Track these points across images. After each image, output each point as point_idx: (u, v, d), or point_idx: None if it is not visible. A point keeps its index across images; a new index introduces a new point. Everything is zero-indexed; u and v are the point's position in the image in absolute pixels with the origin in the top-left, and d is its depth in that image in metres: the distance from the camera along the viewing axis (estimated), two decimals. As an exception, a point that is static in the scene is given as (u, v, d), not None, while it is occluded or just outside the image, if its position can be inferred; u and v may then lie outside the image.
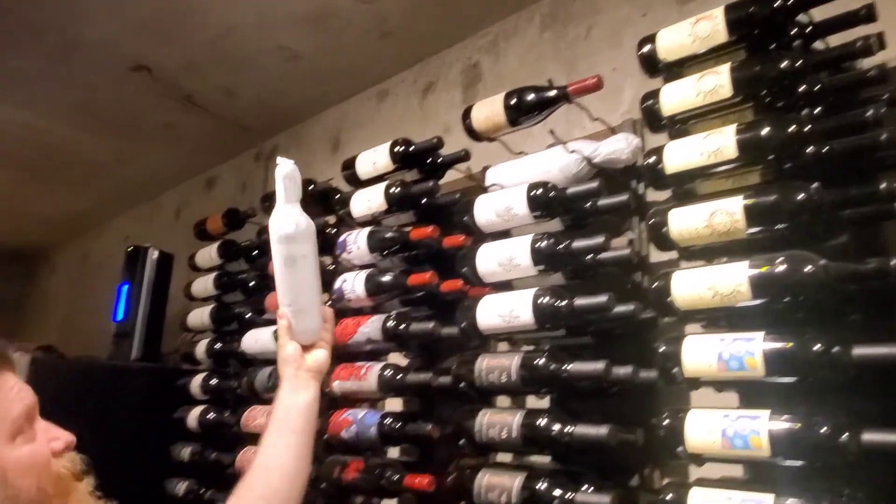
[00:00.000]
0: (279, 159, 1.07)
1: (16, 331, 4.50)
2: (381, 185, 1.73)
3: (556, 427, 1.23)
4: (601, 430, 1.18)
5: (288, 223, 1.05)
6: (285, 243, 1.05)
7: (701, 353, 1.04)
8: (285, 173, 1.06)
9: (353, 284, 1.70)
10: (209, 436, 2.20)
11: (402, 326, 1.59)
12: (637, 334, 1.32)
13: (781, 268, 0.98)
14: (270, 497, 0.95)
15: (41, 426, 0.86)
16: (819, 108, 1.08)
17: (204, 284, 2.38)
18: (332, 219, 1.97)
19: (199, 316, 2.35)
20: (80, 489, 0.87)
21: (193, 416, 2.22)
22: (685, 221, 1.09)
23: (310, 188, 2.09)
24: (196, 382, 2.26)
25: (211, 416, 2.19)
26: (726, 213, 1.04)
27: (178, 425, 2.29)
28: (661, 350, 1.13)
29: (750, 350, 0.98)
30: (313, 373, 1.06)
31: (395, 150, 1.73)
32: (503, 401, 1.49)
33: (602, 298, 1.23)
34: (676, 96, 1.15)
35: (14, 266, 5.01)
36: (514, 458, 1.46)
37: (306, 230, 1.05)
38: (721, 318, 1.10)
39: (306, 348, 1.07)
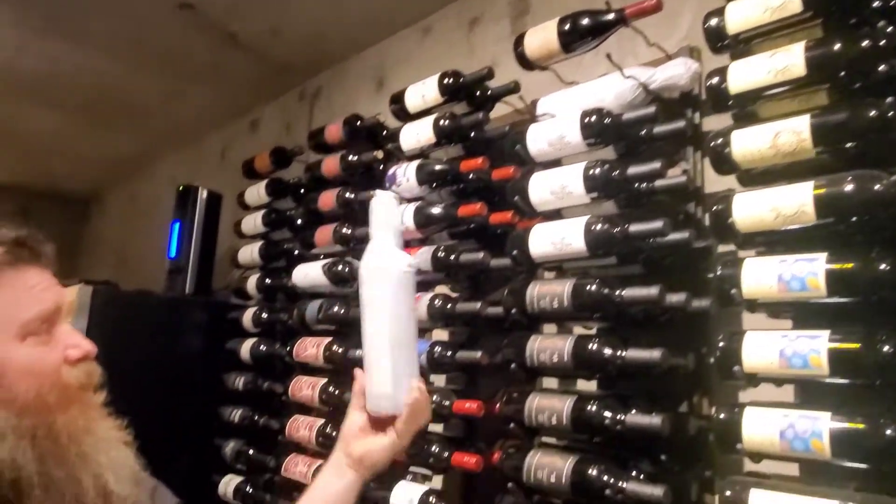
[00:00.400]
0: (378, 192, 0.97)
1: (72, 271, 4.68)
2: (430, 118, 1.73)
3: (608, 351, 1.25)
4: (654, 354, 1.19)
5: (366, 259, 0.91)
6: (362, 282, 0.91)
7: (761, 274, 1.03)
8: (376, 203, 0.94)
9: (401, 217, 1.72)
10: (261, 366, 2.29)
11: (452, 257, 1.61)
12: (688, 264, 1.32)
13: (849, 186, 0.96)
14: None
15: (63, 331, 0.81)
16: (894, 25, 1.03)
17: (253, 221, 2.43)
18: (380, 154, 1.99)
19: (249, 252, 2.41)
20: (88, 402, 0.81)
21: (246, 348, 2.31)
22: (748, 142, 1.07)
23: (357, 123, 2.11)
24: (248, 316, 2.33)
25: (263, 347, 2.27)
26: (793, 133, 1.02)
27: (231, 356, 2.38)
28: (718, 273, 1.13)
29: (813, 270, 0.97)
30: (352, 461, 0.91)
31: (445, 81, 1.72)
32: (550, 328, 1.51)
33: (657, 224, 1.22)
34: (742, 13, 1.11)
35: (67, 208, 5.19)
36: (561, 385, 1.49)
37: (383, 271, 0.89)
38: (780, 242, 1.09)
39: (377, 424, 0.90)
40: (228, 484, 2.24)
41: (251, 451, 2.22)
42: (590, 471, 1.22)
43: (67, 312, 0.85)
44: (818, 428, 0.95)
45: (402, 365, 0.89)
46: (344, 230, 1.98)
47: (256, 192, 2.45)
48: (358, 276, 0.92)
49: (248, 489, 2.17)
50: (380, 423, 0.92)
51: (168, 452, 2.40)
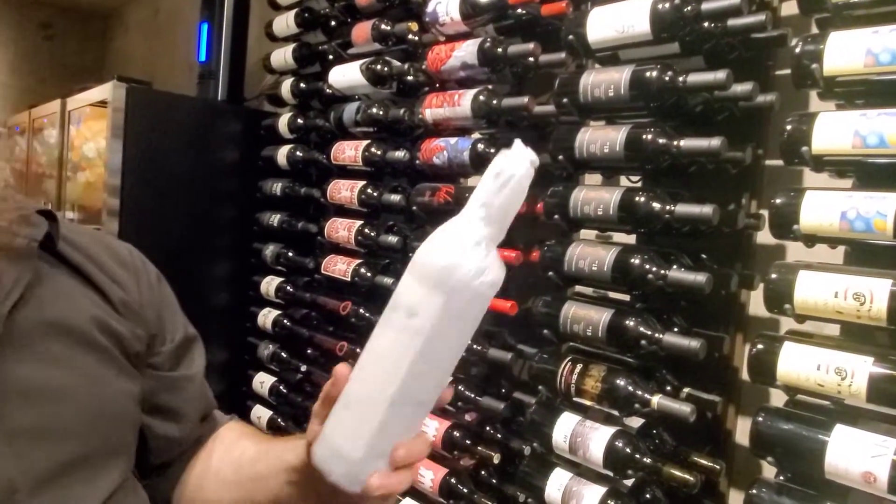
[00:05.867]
0: (517, 145, 0.56)
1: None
2: None
3: (663, 140, 1.20)
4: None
5: (435, 242, 0.56)
6: (411, 268, 0.57)
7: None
8: (499, 165, 0.55)
9: (447, 6, 1.61)
10: (298, 172, 2.30)
11: (500, 49, 1.52)
12: (755, 60, 1.24)
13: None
14: None
15: None
16: None
17: (285, 22, 2.31)
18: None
19: (282, 55, 2.32)
20: None
21: (282, 154, 2.30)
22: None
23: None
24: (283, 121, 2.30)
25: (299, 153, 2.26)
26: None
27: (267, 163, 2.39)
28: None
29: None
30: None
31: None
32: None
33: (734, 0, 1.12)
34: None
35: (89, 26, 5.02)
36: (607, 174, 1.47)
37: (454, 279, 0.54)
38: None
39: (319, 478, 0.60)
40: (270, 284, 2.35)
41: (290, 253, 2.29)
42: (632, 260, 1.24)
43: None
44: (883, 207, 0.92)
45: (396, 432, 0.58)
46: (383, 26, 1.88)
47: (288, -11, 2.31)
48: (414, 256, 0.57)
49: (288, 288, 2.27)
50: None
51: (208, 257, 2.54)
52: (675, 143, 1.19)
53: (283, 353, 2.27)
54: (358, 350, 1.93)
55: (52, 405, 0.61)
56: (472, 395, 1.56)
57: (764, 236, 1.22)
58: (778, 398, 1.15)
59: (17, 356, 0.60)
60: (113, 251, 0.75)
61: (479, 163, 1.56)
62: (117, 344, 0.69)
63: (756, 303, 1.25)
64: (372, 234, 1.89)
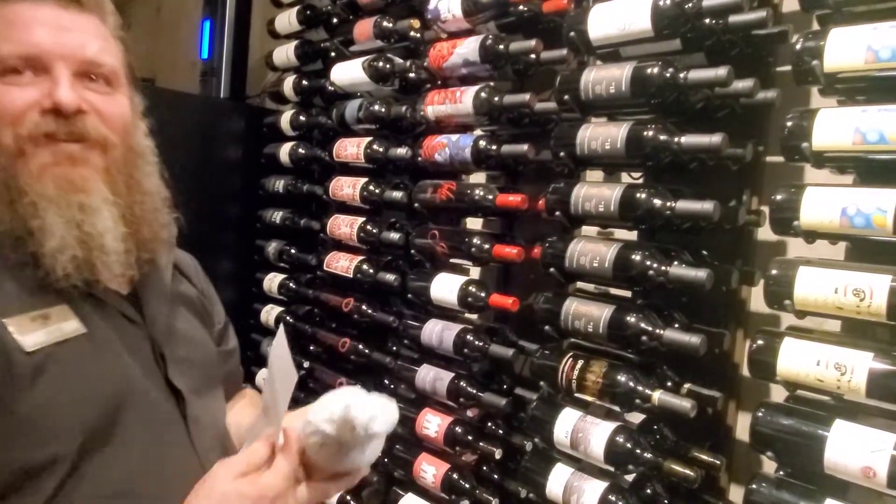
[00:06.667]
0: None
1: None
2: None
3: (664, 137, 1.21)
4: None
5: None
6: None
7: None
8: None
9: (448, 4, 1.62)
10: (300, 169, 2.31)
11: (502, 46, 1.53)
12: (755, 57, 1.24)
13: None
14: None
15: (55, 78, 0.76)
16: None
17: (287, 19, 2.32)
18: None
19: (284, 53, 2.33)
20: (63, 156, 0.78)
21: (285, 151, 2.31)
22: None
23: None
24: (285, 118, 2.31)
25: (302, 150, 2.26)
26: None
27: (269, 160, 2.40)
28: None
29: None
30: None
31: None
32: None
33: (736, -3, 1.12)
34: None
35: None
36: (608, 179, 1.47)
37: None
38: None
39: None
40: (272, 280, 2.36)
41: (293, 250, 2.30)
42: (633, 256, 1.24)
43: (81, 63, 0.80)
44: (883, 204, 0.93)
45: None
46: (385, 23, 1.88)
47: (289, -14, 2.31)
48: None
49: (291, 284, 2.28)
50: None
51: (211, 254, 2.55)
52: (676, 139, 1.20)
53: (285, 350, 2.27)
54: (360, 346, 1.94)
55: (190, 346, 0.92)
56: (474, 391, 1.56)
57: (764, 233, 1.23)
58: (778, 394, 1.15)
59: (173, 312, 0.91)
60: (180, 253, 1.01)
61: (481, 159, 1.57)
62: (207, 315, 1.02)
63: (756, 299, 1.26)
64: (374, 230, 1.90)
